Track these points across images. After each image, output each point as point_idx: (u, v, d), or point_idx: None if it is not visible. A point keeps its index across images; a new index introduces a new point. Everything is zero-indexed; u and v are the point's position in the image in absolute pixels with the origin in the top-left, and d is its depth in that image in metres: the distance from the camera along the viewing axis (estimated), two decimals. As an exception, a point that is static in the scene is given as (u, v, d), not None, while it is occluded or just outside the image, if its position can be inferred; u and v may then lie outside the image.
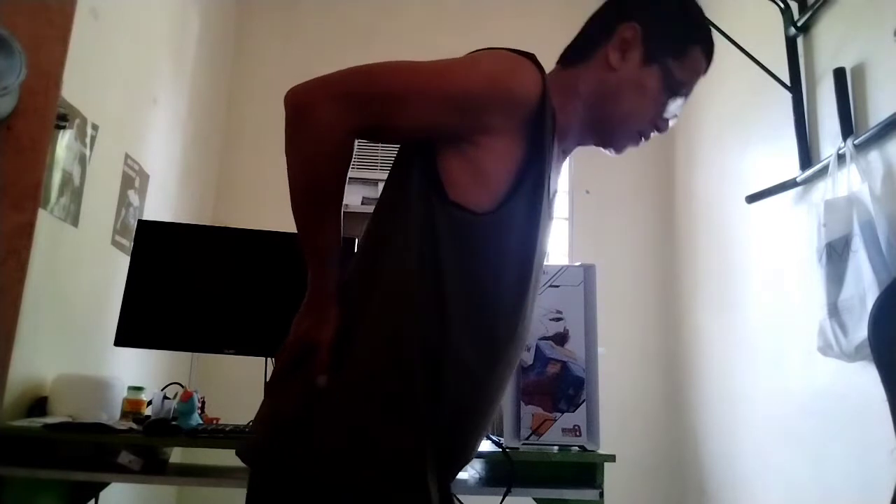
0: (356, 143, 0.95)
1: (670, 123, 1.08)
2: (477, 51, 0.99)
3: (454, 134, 0.94)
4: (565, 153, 1.11)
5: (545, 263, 1.12)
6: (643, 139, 1.08)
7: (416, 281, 0.92)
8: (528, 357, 1.80)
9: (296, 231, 0.98)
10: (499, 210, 0.93)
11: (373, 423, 0.89)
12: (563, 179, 3.88)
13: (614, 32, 1.04)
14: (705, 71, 1.09)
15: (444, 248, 0.92)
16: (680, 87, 1.05)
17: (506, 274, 0.96)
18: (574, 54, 1.09)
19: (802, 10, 2.53)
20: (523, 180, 0.94)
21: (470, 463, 1.02)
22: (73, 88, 2.03)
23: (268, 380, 1.02)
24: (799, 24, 2.52)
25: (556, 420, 1.78)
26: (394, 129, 0.95)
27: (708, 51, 1.08)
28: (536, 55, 0.98)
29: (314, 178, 0.94)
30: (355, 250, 1.17)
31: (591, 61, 1.06)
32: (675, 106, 1.07)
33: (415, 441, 0.90)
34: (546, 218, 1.00)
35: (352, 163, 0.96)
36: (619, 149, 1.10)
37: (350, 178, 1.03)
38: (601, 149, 1.12)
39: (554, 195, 1.07)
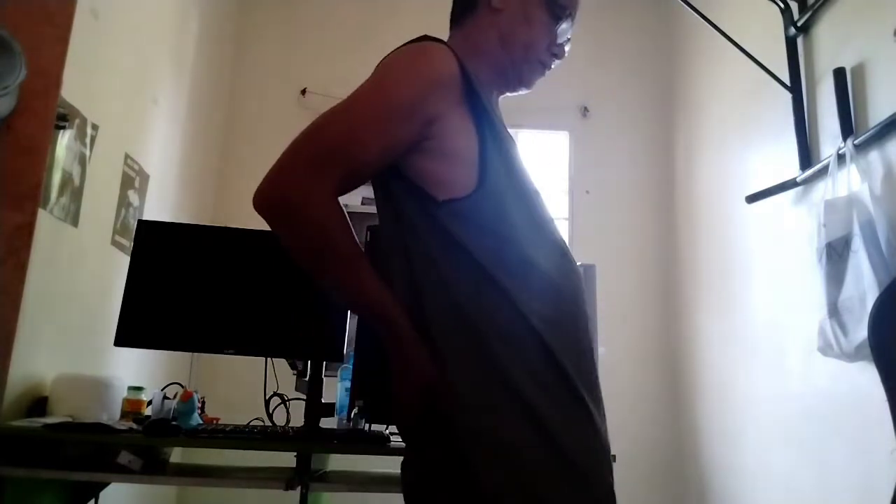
0: None
1: (565, 49, 1.17)
2: (382, 62, 1.03)
3: (414, 139, 0.98)
4: (496, 104, 1.18)
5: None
6: (546, 68, 1.17)
7: (463, 286, 0.95)
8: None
9: None
10: (482, 182, 0.98)
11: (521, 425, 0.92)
12: (563, 179, 3.89)
13: None
14: None
15: (466, 240, 0.96)
16: (563, 10, 1.15)
17: (520, 218, 1.00)
18: (461, 12, 1.17)
19: (802, 10, 2.53)
20: (485, 142, 1.00)
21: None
22: (73, 88, 2.03)
23: (404, 440, 1.01)
24: (799, 24, 2.52)
25: (556, 420, 1.77)
26: (363, 165, 0.98)
27: None
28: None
29: (332, 256, 0.96)
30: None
31: (477, 11, 1.14)
32: (563, 30, 1.16)
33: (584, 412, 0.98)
34: (516, 153, 1.08)
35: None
36: (528, 83, 1.18)
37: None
38: (517, 91, 1.19)
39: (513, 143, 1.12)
